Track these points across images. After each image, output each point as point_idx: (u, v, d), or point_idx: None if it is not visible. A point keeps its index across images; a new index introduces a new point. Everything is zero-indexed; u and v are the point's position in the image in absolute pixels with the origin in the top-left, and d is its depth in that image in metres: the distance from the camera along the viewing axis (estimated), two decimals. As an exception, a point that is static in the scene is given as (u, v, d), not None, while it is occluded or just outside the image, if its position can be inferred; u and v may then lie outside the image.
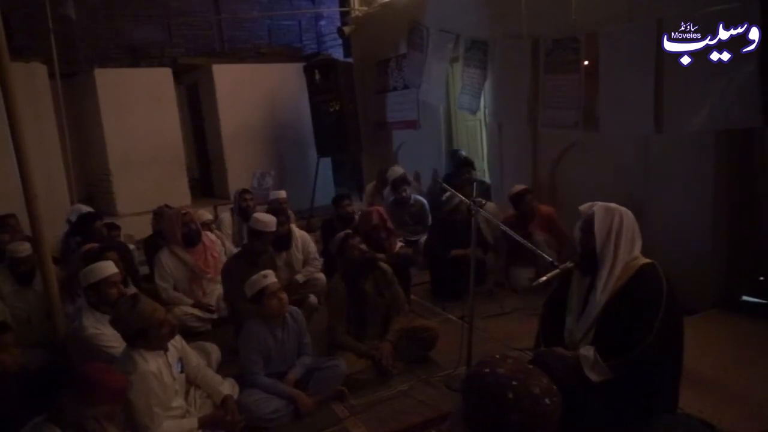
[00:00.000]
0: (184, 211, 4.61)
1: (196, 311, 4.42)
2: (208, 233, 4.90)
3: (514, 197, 4.73)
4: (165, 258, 4.47)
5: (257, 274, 3.22)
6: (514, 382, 1.21)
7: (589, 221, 2.34)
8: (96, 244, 4.18)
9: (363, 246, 3.69)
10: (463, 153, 6.72)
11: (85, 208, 5.41)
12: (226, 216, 5.97)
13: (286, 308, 3.27)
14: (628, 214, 2.34)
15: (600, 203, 2.36)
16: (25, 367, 3.16)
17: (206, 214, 5.44)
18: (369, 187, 7.23)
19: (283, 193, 5.88)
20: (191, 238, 4.53)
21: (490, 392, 1.23)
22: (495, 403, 1.21)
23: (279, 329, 3.23)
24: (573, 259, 2.45)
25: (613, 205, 2.36)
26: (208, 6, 9.90)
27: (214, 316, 4.47)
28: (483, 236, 4.69)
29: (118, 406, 2.27)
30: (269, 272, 3.26)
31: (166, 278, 4.45)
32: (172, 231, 4.51)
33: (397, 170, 6.51)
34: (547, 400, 1.19)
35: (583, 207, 2.40)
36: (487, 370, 1.26)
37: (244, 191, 5.89)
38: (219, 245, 4.96)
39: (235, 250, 5.27)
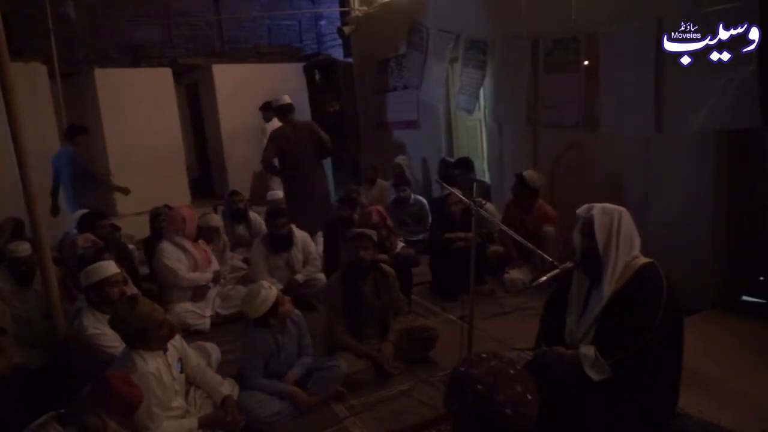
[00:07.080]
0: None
1: (196, 308, 4.42)
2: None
3: (518, 175, 4.81)
4: (168, 246, 4.46)
5: (258, 290, 3.11)
6: (479, 386, 1.22)
7: (588, 224, 2.33)
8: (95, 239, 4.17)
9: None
10: (450, 159, 6.76)
11: (82, 210, 5.39)
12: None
13: (292, 312, 3.27)
14: (625, 213, 2.34)
15: (598, 205, 2.35)
16: (26, 367, 3.17)
17: (215, 219, 5.20)
18: (365, 187, 7.26)
19: (280, 194, 5.88)
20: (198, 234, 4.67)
21: (457, 389, 1.29)
22: (457, 402, 1.26)
23: (279, 334, 3.21)
24: (573, 259, 2.45)
25: (610, 205, 2.36)
26: (208, 6, 9.91)
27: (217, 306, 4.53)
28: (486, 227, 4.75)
29: (130, 418, 2.35)
30: (264, 283, 3.18)
31: (175, 263, 4.40)
32: (192, 226, 4.58)
33: (400, 158, 6.73)
34: (508, 410, 1.18)
35: (581, 210, 2.39)
36: (463, 368, 1.31)
37: (234, 192, 5.86)
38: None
39: (230, 253, 5.26)
